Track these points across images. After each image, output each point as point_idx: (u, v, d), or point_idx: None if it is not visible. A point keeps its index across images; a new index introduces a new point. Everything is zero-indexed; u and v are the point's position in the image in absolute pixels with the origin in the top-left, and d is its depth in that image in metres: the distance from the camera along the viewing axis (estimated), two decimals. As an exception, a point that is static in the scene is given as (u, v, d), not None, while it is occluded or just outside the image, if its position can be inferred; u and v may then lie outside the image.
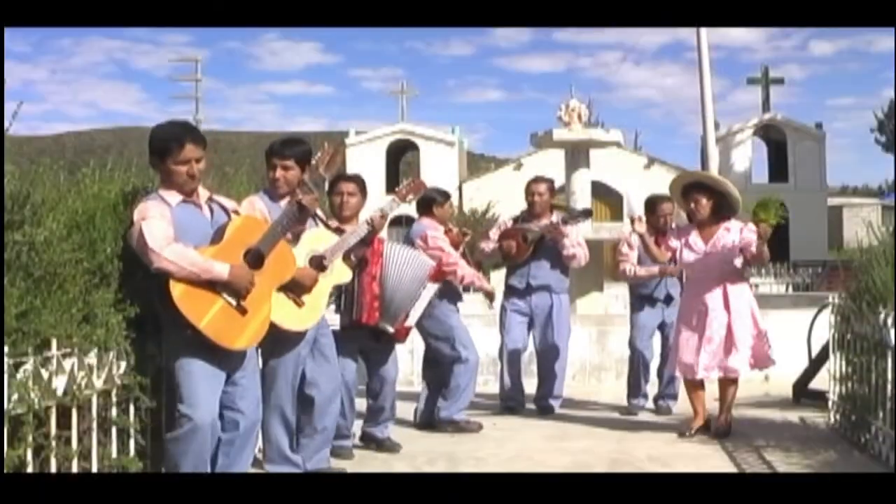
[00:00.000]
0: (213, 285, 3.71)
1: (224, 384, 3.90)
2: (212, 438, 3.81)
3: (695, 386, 6.04)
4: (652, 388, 7.06)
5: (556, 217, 6.84)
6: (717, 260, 5.89)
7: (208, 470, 3.83)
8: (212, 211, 3.96)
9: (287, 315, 4.34)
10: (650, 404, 7.02)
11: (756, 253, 5.85)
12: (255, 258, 3.86)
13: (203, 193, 3.96)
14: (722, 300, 5.88)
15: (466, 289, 6.47)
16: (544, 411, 6.79)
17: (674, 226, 6.67)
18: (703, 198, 5.94)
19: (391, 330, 5.38)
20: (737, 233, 5.92)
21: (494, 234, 6.99)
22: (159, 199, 3.81)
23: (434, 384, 6.21)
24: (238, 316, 3.77)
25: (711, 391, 6.21)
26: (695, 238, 5.98)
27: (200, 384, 3.75)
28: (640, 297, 7.00)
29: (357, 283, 5.18)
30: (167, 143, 3.81)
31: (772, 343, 6.05)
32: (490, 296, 6.65)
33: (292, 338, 4.47)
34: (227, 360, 3.85)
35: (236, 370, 3.92)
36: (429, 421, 6.19)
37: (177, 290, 3.64)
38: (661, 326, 6.96)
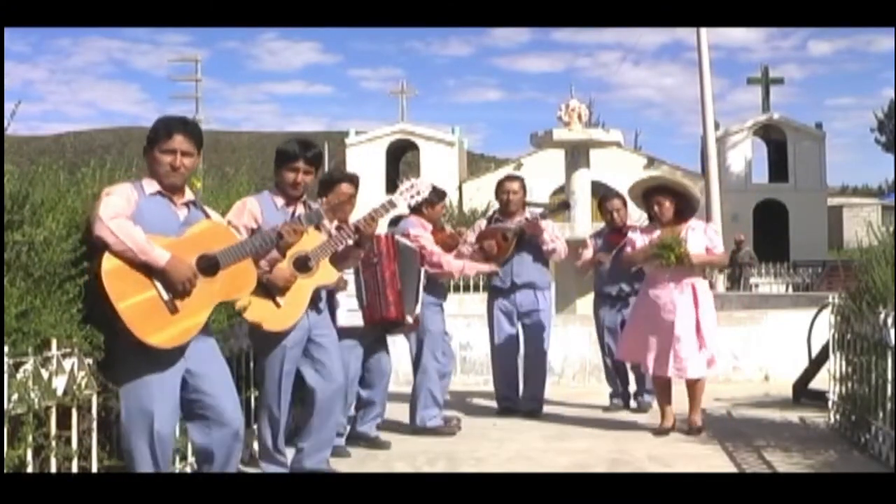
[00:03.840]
0: (150, 274, 3.51)
1: (186, 392, 3.70)
2: (167, 447, 3.65)
3: (664, 385, 6.06)
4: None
5: (529, 214, 6.86)
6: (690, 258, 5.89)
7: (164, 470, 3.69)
8: (188, 212, 3.81)
9: (265, 315, 4.34)
10: (632, 403, 7.10)
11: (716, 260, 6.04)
12: (209, 264, 3.65)
13: (188, 195, 3.84)
14: (692, 298, 5.90)
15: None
16: (532, 413, 6.73)
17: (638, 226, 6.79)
18: (667, 201, 6.00)
19: (412, 321, 5.51)
20: (701, 232, 6.03)
21: (471, 236, 6.92)
22: (135, 183, 3.73)
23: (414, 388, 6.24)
24: (165, 312, 3.53)
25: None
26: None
27: (153, 390, 3.58)
28: (601, 296, 7.13)
29: (379, 281, 5.27)
30: (157, 131, 3.75)
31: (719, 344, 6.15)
32: (496, 273, 6.69)
33: (277, 337, 4.46)
34: (172, 362, 3.64)
35: (197, 376, 3.70)
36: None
37: (108, 264, 3.46)
38: (623, 323, 7.01)
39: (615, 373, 7.11)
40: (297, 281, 4.43)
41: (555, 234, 6.81)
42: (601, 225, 7.53)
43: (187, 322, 3.59)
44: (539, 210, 7.12)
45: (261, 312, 4.31)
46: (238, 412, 3.87)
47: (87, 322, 3.49)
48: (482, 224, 7.07)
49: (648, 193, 6.09)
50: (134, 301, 3.47)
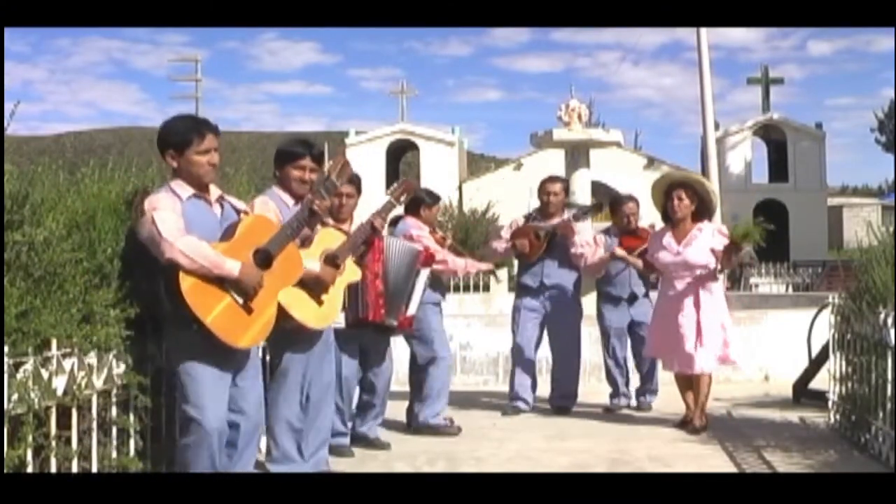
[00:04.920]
0: (222, 282, 3.68)
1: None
2: (220, 442, 3.80)
3: (685, 381, 6.20)
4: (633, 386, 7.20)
5: (567, 214, 6.86)
6: (691, 260, 6.07)
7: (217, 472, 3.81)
8: (222, 208, 3.95)
9: (310, 314, 4.41)
10: (633, 402, 7.12)
11: (724, 260, 6.11)
12: (264, 258, 3.83)
13: (214, 191, 3.95)
14: (693, 298, 6.04)
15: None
16: (560, 411, 6.81)
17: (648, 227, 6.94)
18: (687, 198, 6.11)
19: (395, 323, 5.48)
20: (709, 234, 6.16)
21: (506, 232, 7.00)
22: (170, 191, 3.79)
23: (416, 386, 6.22)
24: (244, 314, 3.74)
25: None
26: (668, 239, 6.17)
27: (207, 388, 3.74)
28: (607, 297, 7.12)
29: (360, 282, 5.23)
30: (187, 135, 3.81)
31: (737, 345, 6.25)
32: (493, 273, 6.72)
33: (307, 338, 4.50)
34: (231, 361, 3.84)
35: (239, 371, 3.90)
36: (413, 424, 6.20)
37: (186, 283, 3.60)
38: (630, 325, 7.04)
39: (617, 373, 7.11)
40: None
41: (586, 240, 6.78)
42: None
43: (263, 318, 3.82)
44: (574, 211, 7.11)
45: (305, 311, 4.38)
46: (261, 406, 4.10)
47: (139, 325, 3.64)
48: (519, 221, 7.10)
49: (674, 187, 6.16)
50: (217, 312, 3.65)
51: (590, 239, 6.86)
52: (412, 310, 5.59)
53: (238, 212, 4.01)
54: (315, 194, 4.15)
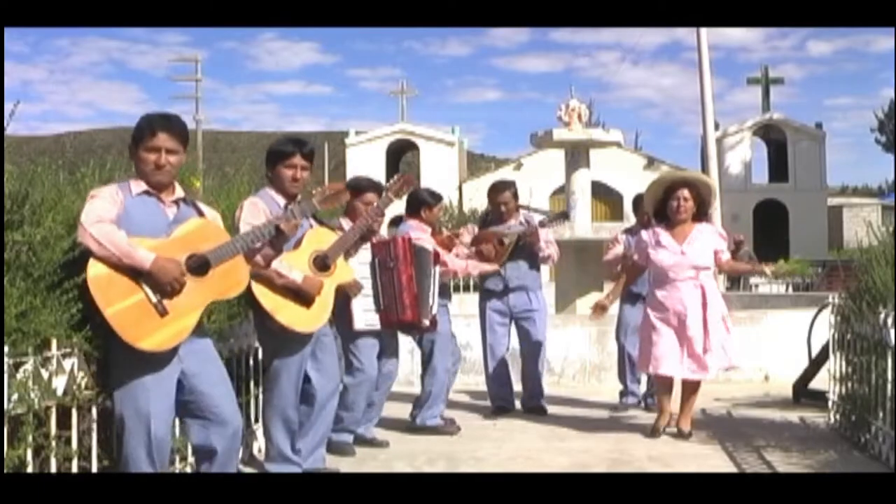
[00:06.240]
0: (137, 277, 3.45)
1: (183, 393, 3.67)
2: (161, 449, 3.64)
3: (667, 386, 6.04)
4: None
5: (522, 217, 6.89)
6: (696, 260, 5.93)
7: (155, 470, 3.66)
8: (178, 210, 3.75)
9: (296, 317, 4.36)
10: (640, 401, 7.08)
11: (730, 266, 6.14)
12: (199, 264, 3.59)
13: (178, 192, 3.78)
14: (700, 300, 5.87)
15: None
16: (535, 411, 6.78)
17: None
18: (692, 198, 6.01)
19: (427, 323, 5.54)
20: (709, 234, 6.06)
21: (466, 237, 6.92)
22: (122, 184, 3.68)
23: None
24: (155, 315, 3.47)
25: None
26: (668, 239, 5.99)
27: (136, 392, 3.55)
28: (628, 294, 7.06)
29: (396, 285, 5.30)
30: (141, 130, 3.68)
31: (738, 347, 6.12)
32: (499, 273, 6.74)
33: (298, 339, 4.46)
34: (167, 365, 3.59)
35: (192, 377, 3.67)
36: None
37: (93, 270, 3.39)
38: None
39: (628, 370, 7.07)
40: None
41: (549, 239, 6.87)
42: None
43: (178, 324, 3.52)
44: (538, 217, 7.12)
45: (292, 314, 4.34)
46: (236, 411, 3.84)
47: (86, 324, 3.48)
48: (474, 228, 7.08)
49: (676, 186, 6.06)
50: (122, 306, 3.41)
51: (550, 238, 6.92)
52: (434, 309, 5.65)
53: (202, 216, 3.81)
54: (286, 214, 4.02)
